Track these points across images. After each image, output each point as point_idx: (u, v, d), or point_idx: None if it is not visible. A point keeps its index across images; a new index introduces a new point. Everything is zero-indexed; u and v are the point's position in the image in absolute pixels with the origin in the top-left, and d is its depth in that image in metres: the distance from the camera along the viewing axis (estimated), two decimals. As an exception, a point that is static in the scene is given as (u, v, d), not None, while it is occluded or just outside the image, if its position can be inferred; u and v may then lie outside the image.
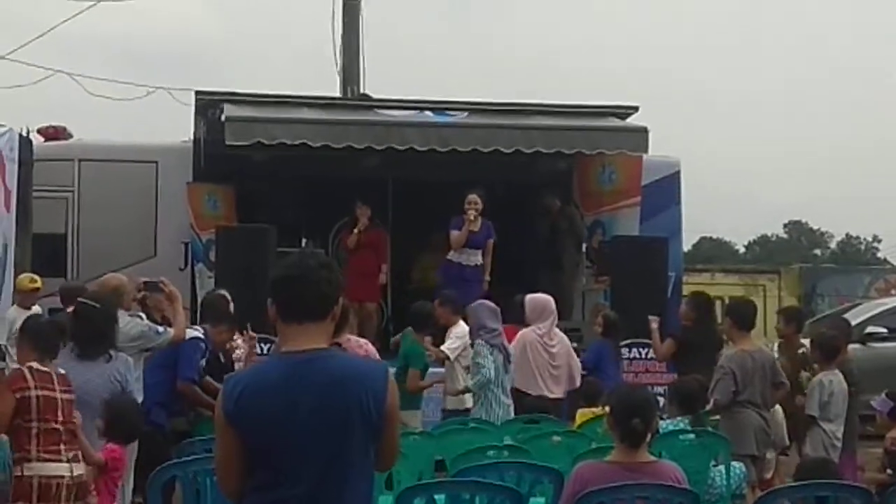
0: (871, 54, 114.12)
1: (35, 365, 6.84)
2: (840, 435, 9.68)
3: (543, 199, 15.33)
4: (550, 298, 11.38)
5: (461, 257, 13.71)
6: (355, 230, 14.67)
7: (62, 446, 6.75)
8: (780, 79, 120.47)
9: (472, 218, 13.53)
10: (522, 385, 10.83)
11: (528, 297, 11.28)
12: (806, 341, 10.96)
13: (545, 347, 11.01)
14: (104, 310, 7.84)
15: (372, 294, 14.91)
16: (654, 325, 11.43)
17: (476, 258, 13.71)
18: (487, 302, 10.99)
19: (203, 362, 9.50)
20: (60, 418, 6.77)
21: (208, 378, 9.32)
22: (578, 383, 11.03)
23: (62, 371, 6.98)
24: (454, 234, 13.68)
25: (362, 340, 10.09)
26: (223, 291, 10.81)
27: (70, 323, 7.89)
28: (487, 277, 13.68)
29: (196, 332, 9.44)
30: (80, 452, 6.86)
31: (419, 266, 16.08)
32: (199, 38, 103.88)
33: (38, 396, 6.70)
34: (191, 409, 9.50)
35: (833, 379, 9.73)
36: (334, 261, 14.28)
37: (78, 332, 7.69)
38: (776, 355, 10.64)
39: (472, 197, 13.58)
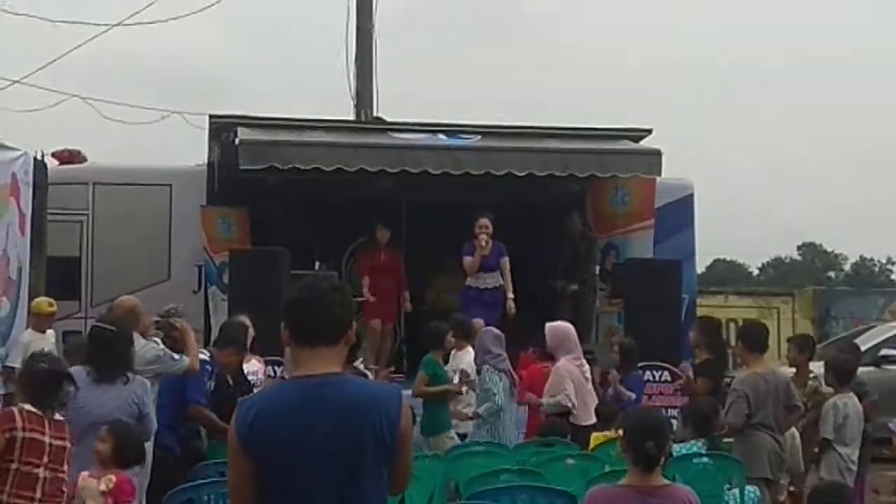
0: (883, 73, 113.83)
1: (28, 407, 6.69)
2: (855, 458, 9.64)
3: (566, 221, 15.32)
4: (571, 326, 11.32)
5: (477, 282, 13.73)
6: (376, 254, 14.73)
7: (37, 493, 6.57)
8: (792, 96, 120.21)
9: (483, 244, 13.53)
10: (582, 419, 10.75)
11: (549, 325, 11.20)
12: (816, 367, 10.93)
13: (584, 377, 10.99)
14: (119, 332, 7.83)
15: (389, 315, 14.94)
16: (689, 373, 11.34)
17: (492, 280, 13.71)
18: (492, 329, 11.05)
19: (210, 385, 9.52)
20: (45, 461, 6.60)
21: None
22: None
23: (60, 418, 6.81)
24: (467, 260, 13.70)
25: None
26: (243, 318, 10.79)
27: (86, 347, 7.89)
28: (511, 295, 13.64)
29: (202, 354, 9.45)
30: (61, 501, 6.67)
31: (433, 288, 16.09)
32: (213, 62, 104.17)
33: (24, 438, 6.54)
34: (199, 432, 9.49)
35: (848, 402, 9.69)
36: (348, 284, 14.48)
37: (94, 355, 7.68)
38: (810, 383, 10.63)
39: (483, 221, 13.59)
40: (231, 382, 9.98)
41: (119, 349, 7.72)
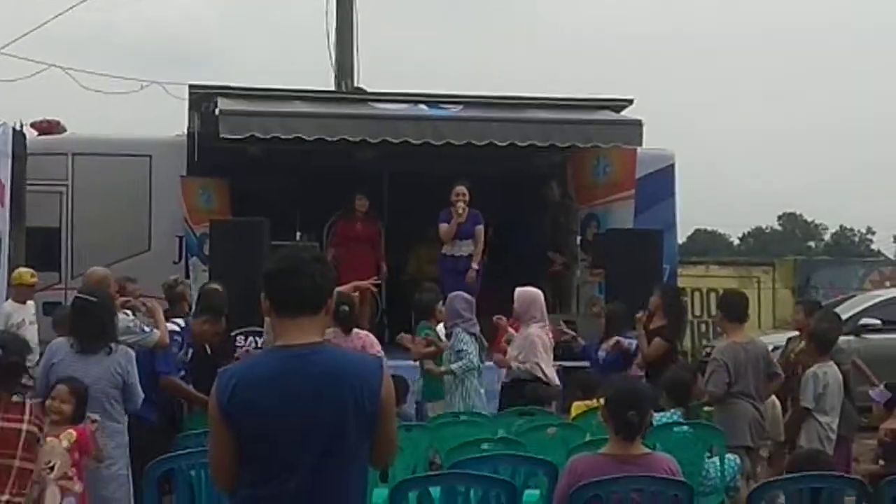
0: (866, 47, 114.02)
1: None
2: (835, 427, 9.69)
3: (545, 191, 15.30)
4: (539, 293, 11.30)
5: (453, 249, 13.75)
6: (356, 224, 14.61)
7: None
8: (777, 68, 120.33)
9: (460, 211, 13.55)
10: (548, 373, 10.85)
11: (518, 290, 11.21)
12: (787, 335, 10.99)
13: (548, 344, 11.01)
14: (102, 303, 7.83)
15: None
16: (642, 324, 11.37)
17: (467, 248, 13.73)
18: (462, 293, 11.05)
19: (187, 356, 9.52)
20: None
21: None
22: None
23: (17, 400, 6.68)
24: (443, 227, 13.72)
25: (362, 333, 10.08)
26: (216, 285, 10.81)
27: (69, 318, 7.89)
28: (475, 266, 13.64)
29: (173, 325, 9.42)
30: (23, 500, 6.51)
31: (414, 258, 16.09)
32: (194, 32, 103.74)
33: None
34: (181, 403, 9.50)
35: (827, 371, 9.74)
36: (329, 253, 14.45)
37: (77, 326, 7.68)
38: (802, 344, 10.68)
39: (460, 189, 13.59)
40: (210, 351, 9.98)
41: (102, 319, 7.71)
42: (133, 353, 7.87)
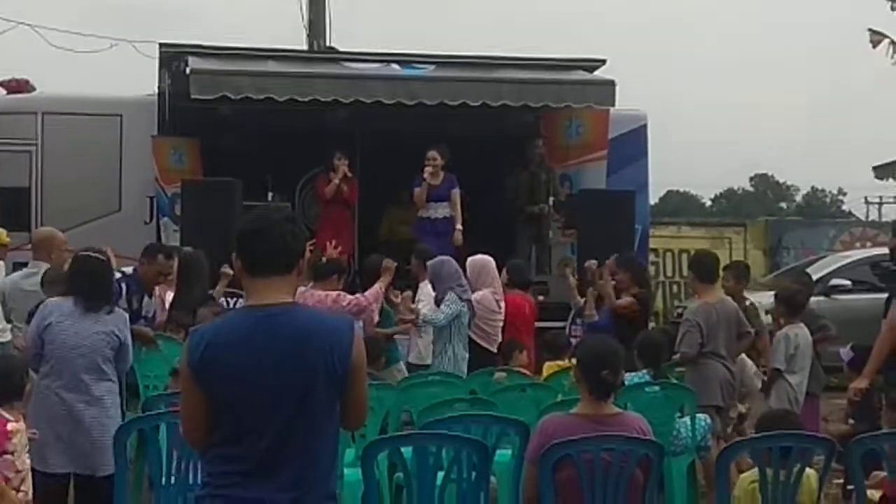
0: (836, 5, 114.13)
1: None
2: (804, 388, 9.76)
3: (529, 146, 15.22)
4: (489, 259, 11.33)
5: (429, 212, 13.76)
6: (335, 181, 14.44)
7: None
8: (748, 31, 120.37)
9: (428, 174, 13.53)
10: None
11: (469, 259, 11.22)
12: (758, 296, 10.99)
13: (497, 308, 11.08)
14: (105, 262, 7.73)
15: (345, 247, 14.66)
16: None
17: (443, 210, 13.74)
18: (451, 260, 11.00)
19: (140, 303, 9.53)
20: None
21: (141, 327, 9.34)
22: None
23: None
24: (416, 191, 13.73)
25: (333, 293, 10.06)
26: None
27: (70, 277, 7.71)
28: (459, 227, 13.65)
29: (118, 273, 9.23)
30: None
31: (387, 220, 16.05)
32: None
33: None
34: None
35: (798, 332, 9.79)
36: (301, 214, 14.39)
37: (81, 284, 7.45)
38: None
39: (431, 153, 13.59)
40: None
41: (106, 278, 7.67)
42: (127, 315, 7.83)
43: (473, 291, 10.76)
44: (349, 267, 12.12)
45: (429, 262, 10.94)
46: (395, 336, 11.17)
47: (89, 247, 8.34)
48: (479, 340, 10.81)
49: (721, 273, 10.66)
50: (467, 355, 10.52)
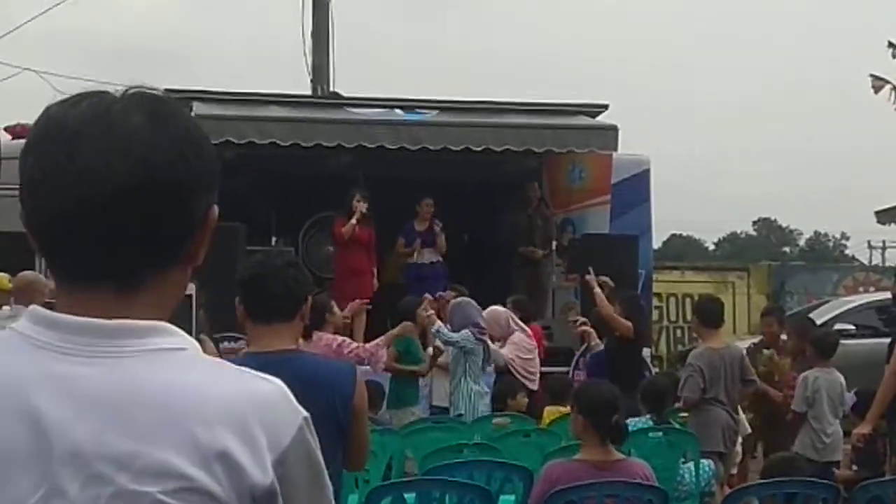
0: (838, 52, 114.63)
1: None
2: (830, 433, 9.76)
3: (526, 189, 15.29)
4: (499, 308, 11.63)
5: (419, 258, 14.03)
6: (352, 221, 14.10)
7: None
8: (752, 75, 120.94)
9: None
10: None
11: (485, 312, 11.27)
12: None
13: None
14: None
15: (364, 292, 14.33)
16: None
17: (431, 256, 13.98)
18: (472, 302, 11.08)
19: None
20: None
21: None
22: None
23: None
24: (400, 241, 14.52)
25: (339, 338, 10.04)
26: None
27: None
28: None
29: None
30: None
31: (390, 264, 16.03)
32: (170, 35, 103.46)
33: None
34: None
35: (819, 376, 9.82)
36: (305, 258, 14.38)
37: None
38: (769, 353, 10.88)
39: (427, 201, 14.13)
40: None
41: None
42: None
43: (506, 339, 10.93)
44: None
45: (452, 302, 11.08)
46: (419, 377, 11.19)
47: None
48: (525, 382, 11.00)
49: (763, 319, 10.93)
50: (486, 391, 10.56)
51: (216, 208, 1.82)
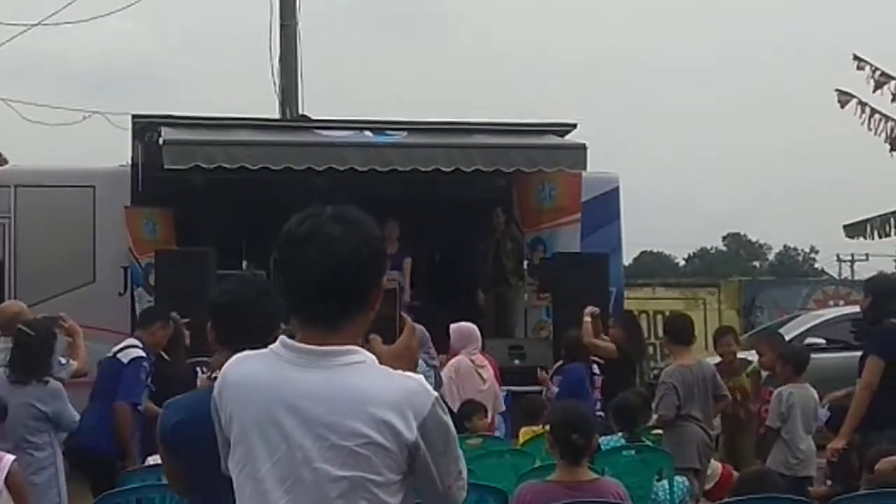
0: (804, 67, 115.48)
1: None
2: (804, 448, 9.79)
3: (491, 217, 15.34)
4: (475, 326, 11.42)
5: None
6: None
7: None
8: (716, 89, 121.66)
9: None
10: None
11: (453, 326, 11.25)
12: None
13: (477, 371, 11.04)
14: (39, 336, 7.83)
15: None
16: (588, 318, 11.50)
17: (392, 283, 13.90)
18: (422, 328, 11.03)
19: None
20: None
21: (149, 403, 9.13)
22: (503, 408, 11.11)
23: None
24: None
25: None
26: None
27: (10, 349, 7.91)
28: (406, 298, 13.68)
29: (136, 350, 9.23)
30: None
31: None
32: (137, 61, 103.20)
33: None
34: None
35: (793, 391, 9.85)
36: (276, 282, 14.37)
37: (12, 357, 7.79)
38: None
39: (392, 225, 13.72)
40: (167, 357, 9.81)
41: (35, 352, 7.75)
42: (60, 387, 7.85)
43: (453, 356, 10.85)
44: None
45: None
46: None
47: (38, 317, 8.46)
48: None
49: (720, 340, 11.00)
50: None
51: (385, 278, 3.14)
